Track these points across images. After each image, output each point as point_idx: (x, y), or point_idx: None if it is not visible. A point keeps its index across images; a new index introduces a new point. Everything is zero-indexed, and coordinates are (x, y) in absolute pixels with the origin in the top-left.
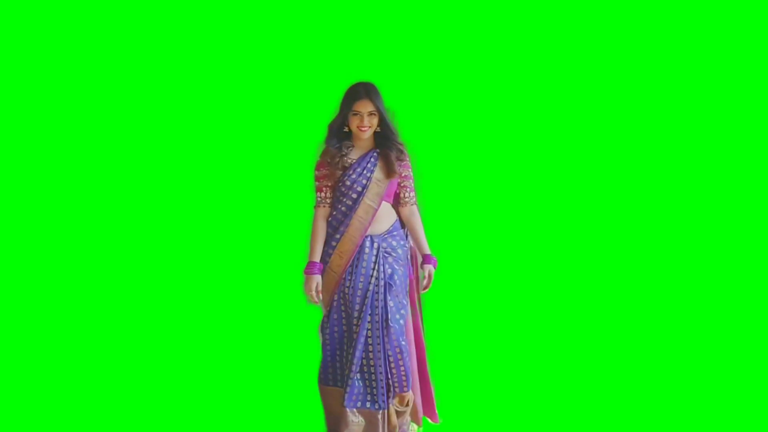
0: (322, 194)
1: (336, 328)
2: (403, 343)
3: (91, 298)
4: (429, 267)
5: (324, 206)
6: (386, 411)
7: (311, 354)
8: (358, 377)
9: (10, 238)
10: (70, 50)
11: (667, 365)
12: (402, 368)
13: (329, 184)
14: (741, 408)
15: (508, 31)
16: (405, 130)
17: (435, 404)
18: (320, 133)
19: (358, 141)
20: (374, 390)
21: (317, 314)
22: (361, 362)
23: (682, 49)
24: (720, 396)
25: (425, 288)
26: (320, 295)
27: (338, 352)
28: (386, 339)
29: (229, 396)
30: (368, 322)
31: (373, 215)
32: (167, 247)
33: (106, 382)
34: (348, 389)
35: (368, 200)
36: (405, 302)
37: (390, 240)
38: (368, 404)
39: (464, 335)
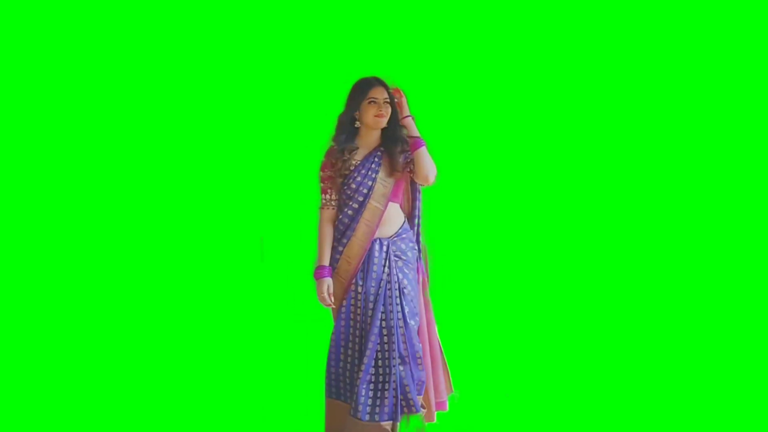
0: (328, 196)
1: (343, 336)
2: (418, 346)
3: (94, 302)
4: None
5: (329, 208)
6: (396, 423)
7: (318, 361)
8: (368, 387)
9: (8, 238)
10: (72, 51)
11: (666, 365)
12: (417, 373)
13: (333, 186)
14: (740, 407)
15: (511, 32)
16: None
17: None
18: (324, 129)
19: (368, 134)
20: (385, 401)
21: (325, 319)
22: (370, 371)
23: (685, 50)
24: (719, 395)
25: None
26: (332, 297)
27: (348, 363)
28: (402, 344)
29: (231, 401)
30: (381, 327)
31: (380, 217)
32: (170, 248)
33: (107, 388)
34: (356, 399)
35: (374, 202)
36: (417, 310)
37: (399, 243)
38: (377, 417)
39: (469, 334)
